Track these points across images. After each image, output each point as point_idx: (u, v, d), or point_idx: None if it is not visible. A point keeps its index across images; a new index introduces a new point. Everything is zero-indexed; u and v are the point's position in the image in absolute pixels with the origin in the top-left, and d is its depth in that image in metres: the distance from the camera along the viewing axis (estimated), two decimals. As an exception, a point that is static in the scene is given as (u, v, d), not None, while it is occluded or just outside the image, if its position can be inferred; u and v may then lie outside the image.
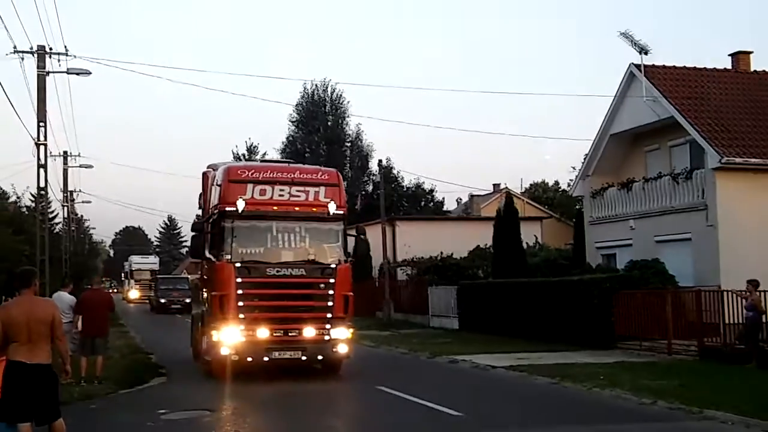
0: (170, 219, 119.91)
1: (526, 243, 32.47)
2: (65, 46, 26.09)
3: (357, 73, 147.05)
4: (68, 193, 48.33)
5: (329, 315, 15.18)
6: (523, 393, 14.32)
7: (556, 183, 66.25)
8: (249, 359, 14.79)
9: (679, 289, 20.97)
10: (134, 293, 65.78)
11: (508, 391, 14.64)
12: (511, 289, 25.85)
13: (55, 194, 45.50)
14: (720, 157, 22.03)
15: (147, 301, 56.52)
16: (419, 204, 60.03)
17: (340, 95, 60.04)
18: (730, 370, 15.92)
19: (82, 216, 65.95)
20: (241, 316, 14.68)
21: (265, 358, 14.88)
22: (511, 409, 12.71)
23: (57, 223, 48.15)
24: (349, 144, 59.81)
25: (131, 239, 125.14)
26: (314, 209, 15.57)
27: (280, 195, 15.43)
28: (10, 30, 30.80)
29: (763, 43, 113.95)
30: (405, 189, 59.80)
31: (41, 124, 23.65)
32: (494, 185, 59.17)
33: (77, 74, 24.66)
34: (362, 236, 16.79)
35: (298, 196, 15.53)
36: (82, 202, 55.07)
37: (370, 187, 57.44)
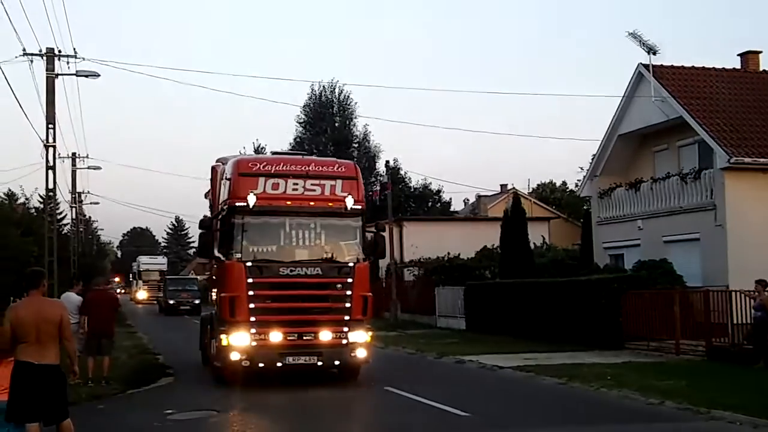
0: (178, 220, 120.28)
1: (534, 243, 32.43)
2: (74, 49, 26.28)
3: (364, 74, 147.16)
4: (76, 195, 48.55)
5: (347, 317, 14.30)
6: (531, 393, 14.30)
7: (564, 183, 66.16)
8: (261, 365, 13.92)
9: (687, 290, 20.91)
10: (142, 294, 65.83)
11: (516, 392, 14.62)
12: (519, 290, 25.81)
13: (63, 196, 45.69)
14: (729, 157, 21.95)
15: (155, 302, 56.24)
16: (426, 204, 60.07)
17: (348, 96, 60.18)
18: (738, 370, 15.87)
19: (90, 217, 66.27)
20: (253, 318, 13.84)
21: (279, 364, 13.98)
22: (518, 409, 12.70)
23: (65, 225, 48.22)
24: (356, 145, 59.88)
25: (139, 240, 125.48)
26: (330, 204, 14.59)
27: (294, 189, 14.46)
28: (20, 33, 30.93)
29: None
30: (412, 190, 59.83)
31: (50, 126, 23.77)
32: (501, 186, 59.12)
33: (86, 76, 24.79)
34: (382, 233, 15.81)
35: (313, 190, 14.55)
36: (90, 203, 55.38)
37: (377, 188, 57.55)
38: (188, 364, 18.28)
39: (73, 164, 45.36)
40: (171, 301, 46.70)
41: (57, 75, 23.99)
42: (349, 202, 14.51)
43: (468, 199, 63.31)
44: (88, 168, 45.41)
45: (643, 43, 24.46)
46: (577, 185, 46.67)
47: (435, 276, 34.29)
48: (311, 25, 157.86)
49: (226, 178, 15.01)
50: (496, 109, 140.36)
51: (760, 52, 27.49)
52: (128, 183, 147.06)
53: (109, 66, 44.45)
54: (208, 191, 18.44)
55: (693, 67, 26.23)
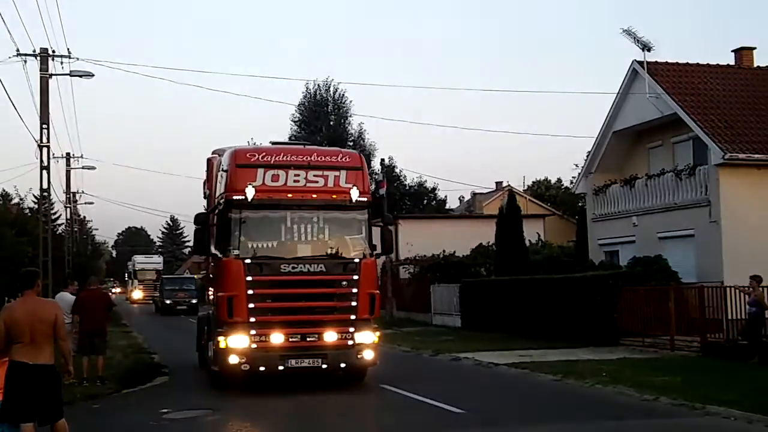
0: (173, 219, 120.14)
1: (529, 240, 32.47)
2: (68, 49, 26.22)
3: (359, 72, 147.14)
4: (71, 195, 48.51)
5: (353, 317, 13.51)
6: (526, 390, 14.32)
7: (559, 180, 66.21)
8: (262, 369, 13.11)
9: (682, 286, 20.97)
10: (138, 294, 65.22)
11: (511, 389, 14.63)
12: (514, 287, 25.85)
13: (57, 195, 45.79)
14: (723, 153, 22.01)
15: (151, 302, 55.90)
16: (422, 202, 60.08)
17: (343, 95, 60.10)
18: (733, 365, 15.91)
19: (84, 217, 66.21)
20: (252, 319, 13.05)
21: (280, 368, 13.20)
22: (513, 406, 12.71)
23: (60, 225, 48.28)
24: (351, 143, 59.73)
25: (134, 240, 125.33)
26: (334, 196, 13.75)
27: (295, 181, 13.63)
28: (13, 33, 30.89)
29: (766, 39, 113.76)
30: (407, 188, 59.84)
31: (44, 126, 23.74)
32: (497, 183, 59.17)
33: (80, 76, 24.75)
34: (389, 226, 14.82)
35: (316, 182, 13.72)
36: (85, 203, 55.29)
37: (372, 186, 57.53)
38: (184, 363, 18.26)
39: (68, 164, 45.33)
40: (168, 301, 46.09)
41: (51, 75, 23.97)
42: (354, 193, 13.71)
43: (463, 197, 63.39)
44: (83, 168, 45.45)
45: (638, 40, 24.51)
46: (572, 182, 46.69)
47: (430, 274, 34.30)
48: (306, 24, 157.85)
49: (222, 170, 14.18)
50: (491, 106, 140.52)
51: (754, 48, 27.60)
52: (123, 183, 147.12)
53: (103, 66, 44.87)
54: (204, 183, 17.68)
55: (687, 63, 26.29)
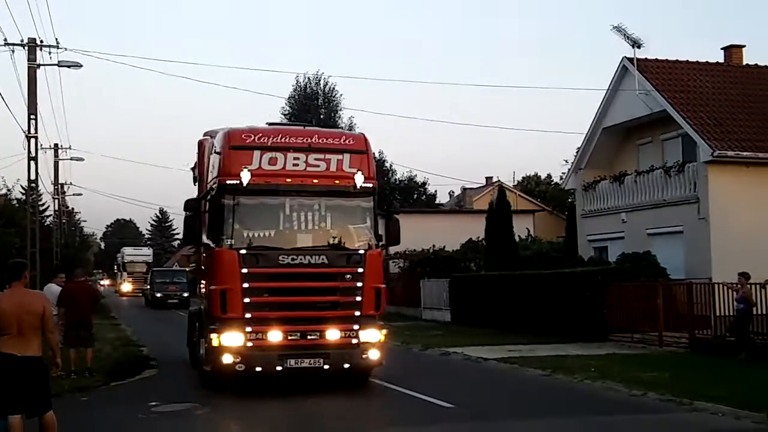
0: (162, 211, 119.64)
1: (519, 236, 32.52)
2: (56, 39, 26.12)
3: (349, 65, 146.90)
4: (59, 186, 48.33)
5: (357, 313, 12.58)
6: (515, 385, 14.36)
7: (549, 176, 66.38)
8: (258, 369, 12.17)
9: (671, 282, 21.07)
10: (127, 286, 64.70)
11: (500, 383, 14.67)
12: (504, 282, 25.89)
13: (45, 187, 45.48)
14: (712, 151, 22.09)
15: (140, 295, 55.31)
16: (412, 197, 60.05)
17: (333, 88, 59.95)
18: (721, 361, 15.99)
19: (72, 208, 65.84)
20: (248, 315, 12.11)
21: (278, 368, 12.25)
22: (502, 400, 12.74)
23: (48, 216, 47.96)
24: (341, 137, 59.66)
25: (122, 232, 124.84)
26: (337, 181, 12.78)
27: (295, 164, 12.62)
28: (1, 22, 30.62)
29: (755, 37, 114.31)
30: (398, 182, 59.81)
31: (32, 116, 23.62)
32: (487, 178, 59.20)
33: (68, 67, 24.65)
34: (395, 215, 14.01)
35: (317, 166, 12.71)
36: (73, 194, 55.04)
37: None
38: (172, 356, 18.20)
39: (56, 155, 45.13)
40: (158, 294, 45.14)
41: (39, 65, 23.84)
42: (359, 179, 12.71)
43: (453, 192, 63.40)
44: (71, 159, 45.29)
45: (628, 37, 24.55)
46: (561, 178, 46.79)
47: (420, 268, 34.32)
48: (296, 17, 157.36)
49: (215, 152, 13.10)
50: (481, 101, 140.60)
51: (744, 46, 27.69)
52: (111, 174, 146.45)
53: (91, 56, 44.61)
54: (195, 165, 16.70)
55: (677, 60, 26.35)
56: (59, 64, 24.65)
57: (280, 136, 12.99)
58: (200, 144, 15.80)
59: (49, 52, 24.62)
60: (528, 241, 35.50)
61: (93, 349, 15.28)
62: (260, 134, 12.93)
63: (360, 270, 12.58)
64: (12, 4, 21.79)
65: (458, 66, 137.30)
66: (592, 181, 27.75)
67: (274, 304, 12.35)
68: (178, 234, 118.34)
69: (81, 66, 24.54)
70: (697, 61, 26.59)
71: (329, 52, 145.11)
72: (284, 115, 59.91)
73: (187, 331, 16.75)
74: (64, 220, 55.64)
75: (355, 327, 12.59)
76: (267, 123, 14.56)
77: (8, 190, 34.46)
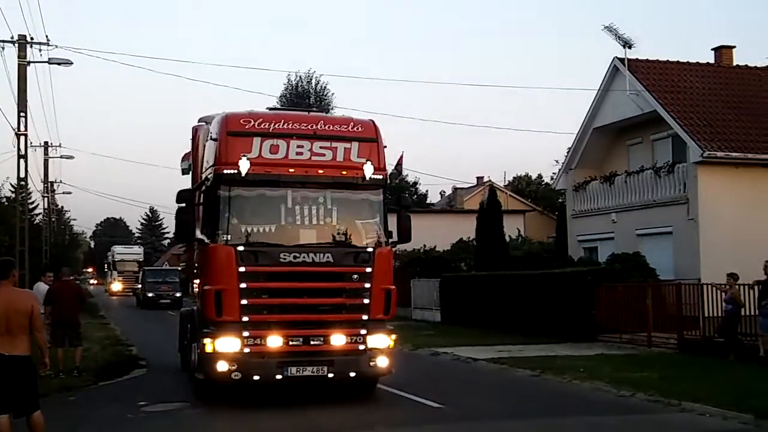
0: (152, 210, 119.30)
1: (509, 236, 32.59)
2: (46, 36, 25.95)
3: (341, 64, 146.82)
4: (48, 184, 48.04)
5: (365, 316, 11.57)
6: (504, 385, 14.37)
7: (539, 176, 66.46)
8: (256, 378, 11.17)
9: (660, 283, 21.14)
10: (117, 286, 63.61)
11: (489, 384, 14.68)
12: (494, 282, 25.93)
13: (35, 185, 45.22)
14: (702, 151, 22.18)
15: (131, 294, 54.50)
16: (403, 196, 60.00)
17: (325, 87, 59.89)
18: (709, 362, 16.05)
19: (62, 207, 65.51)
20: (245, 318, 11.12)
21: (278, 377, 11.26)
22: (491, 401, 12.75)
23: (37, 214, 47.74)
24: (333, 136, 59.52)
25: (112, 230, 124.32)
26: (344, 172, 11.74)
27: (298, 153, 11.61)
28: (-10, 19, 30.48)
29: (745, 38, 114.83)
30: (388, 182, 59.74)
31: (22, 114, 23.50)
32: (478, 178, 59.24)
33: (58, 64, 24.50)
34: (406, 209, 12.85)
35: (323, 155, 11.70)
36: (63, 192, 54.69)
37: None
38: (161, 356, 18.14)
39: (46, 153, 44.92)
40: (150, 294, 44.08)
41: (29, 62, 23.73)
42: (368, 170, 11.69)
43: (444, 191, 63.45)
44: (61, 157, 45.01)
45: (619, 37, 24.62)
46: (552, 178, 46.88)
47: (410, 268, 34.31)
48: (289, 15, 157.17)
49: (211, 139, 12.05)
50: (473, 101, 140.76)
51: (734, 47, 27.80)
52: (102, 173, 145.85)
53: (82, 54, 44.23)
54: (187, 154, 15.56)
55: (668, 61, 26.44)
56: (49, 62, 24.52)
57: (283, 121, 11.88)
58: (194, 131, 14.85)
59: (40, 49, 24.54)
60: (518, 242, 35.57)
61: (81, 349, 15.22)
62: (261, 119, 11.82)
63: (368, 270, 11.57)
64: (2, 0, 21.73)
65: (449, 65, 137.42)
66: (583, 181, 27.83)
67: (273, 307, 11.37)
68: (168, 233, 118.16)
69: (71, 63, 24.42)
70: (688, 62, 26.70)
71: (321, 51, 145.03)
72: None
73: (179, 334, 15.80)
74: (53, 219, 55.40)
75: (363, 332, 11.57)
76: (267, 108, 13.23)
77: (-3, 188, 34.26)
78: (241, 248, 11.20)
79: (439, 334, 23.91)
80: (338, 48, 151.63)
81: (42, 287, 15.22)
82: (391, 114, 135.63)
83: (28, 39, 23.76)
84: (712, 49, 27.83)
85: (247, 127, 11.65)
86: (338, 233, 11.97)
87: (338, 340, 11.50)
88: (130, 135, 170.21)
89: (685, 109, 23.97)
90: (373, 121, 12.38)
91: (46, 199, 48.68)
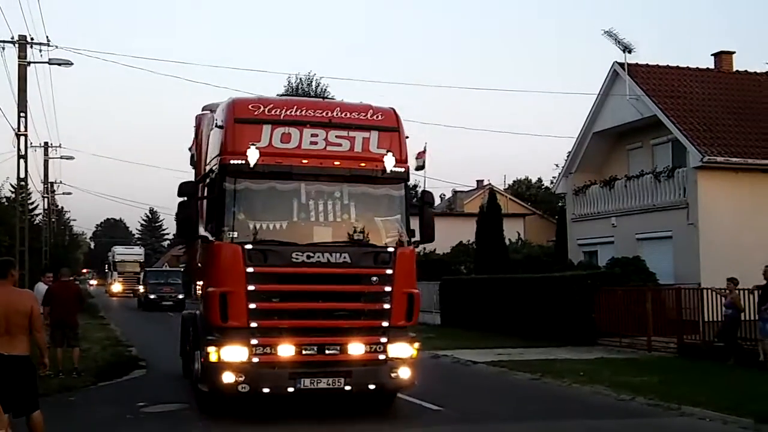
0: (152, 211, 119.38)
1: (509, 239, 32.62)
2: (47, 37, 25.92)
3: (341, 67, 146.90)
4: (48, 184, 48.03)
5: (386, 323, 10.59)
6: (504, 388, 14.36)
7: (540, 180, 66.56)
8: (265, 390, 10.19)
9: (660, 287, 21.15)
10: (117, 287, 62.97)
11: (489, 387, 14.67)
12: (494, 285, 25.93)
13: (35, 185, 45.21)
14: (702, 156, 22.20)
15: (131, 295, 54.05)
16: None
17: (325, 89, 59.89)
18: (709, 367, 16.05)
19: (62, 207, 65.45)
20: (253, 324, 10.12)
21: (290, 389, 10.27)
22: (491, 404, 12.74)
23: (37, 215, 47.70)
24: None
25: (112, 231, 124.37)
26: (363, 164, 10.74)
27: (312, 142, 10.62)
28: (-9, 19, 30.55)
29: (745, 44, 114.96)
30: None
31: (22, 114, 23.51)
32: (478, 181, 59.30)
33: (59, 65, 24.51)
34: (429, 206, 11.78)
35: (339, 145, 10.72)
36: (63, 193, 54.66)
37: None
38: (161, 357, 18.11)
39: (46, 153, 44.91)
40: (152, 296, 43.03)
41: (29, 63, 23.73)
42: (389, 162, 10.65)
43: (444, 195, 63.47)
44: (61, 158, 45.00)
45: (619, 42, 24.67)
46: (552, 182, 46.96)
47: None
48: (289, 17, 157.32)
49: (217, 126, 11.07)
50: (473, 104, 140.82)
51: (734, 52, 27.86)
52: (102, 173, 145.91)
53: (82, 54, 44.24)
54: (193, 144, 14.69)
55: (668, 66, 26.48)
56: (50, 62, 24.53)
57: (295, 108, 10.83)
58: (198, 120, 13.96)
59: (40, 50, 24.53)
60: (518, 245, 35.61)
61: (79, 349, 15.21)
62: (271, 105, 10.79)
63: (389, 271, 10.57)
64: (2, 0, 21.77)
65: (449, 69, 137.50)
66: (583, 185, 27.85)
67: (285, 312, 10.40)
68: (168, 234, 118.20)
69: (72, 64, 24.43)
70: (688, 67, 26.74)
71: (320, 53, 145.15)
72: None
73: (180, 339, 14.77)
74: (53, 219, 55.37)
75: (383, 340, 10.60)
76: (280, 95, 12.97)
77: (-3, 188, 34.26)
78: (248, 246, 10.22)
79: (438, 337, 23.88)
80: (338, 51, 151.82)
81: (42, 287, 15.23)
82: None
83: (29, 39, 23.77)
84: (711, 55, 27.90)
85: (256, 113, 10.66)
86: (356, 231, 10.96)
87: (356, 348, 10.51)
88: (130, 136, 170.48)
89: (685, 114, 24.00)
90: (394, 109, 11.33)
91: (46, 199, 48.67)
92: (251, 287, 10.11)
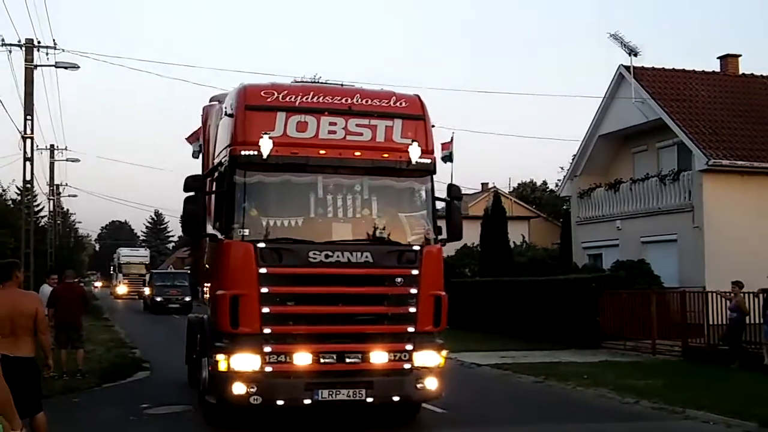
0: (157, 214, 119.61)
1: (513, 242, 32.59)
2: (53, 40, 26.04)
3: (346, 69, 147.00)
4: (54, 187, 48.13)
5: (411, 329, 9.80)
6: (508, 391, 14.36)
7: (544, 183, 66.47)
8: (280, 403, 9.43)
9: (664, 290, 21.12)
10: (122, 288, 62.30)
11: (493, 389, 14.67)
12: (498, 288, 25.90)
13: (41, 187, 45.31)
14: (707, 159, 22.15)
15: (136, 297, 53.61)
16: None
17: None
18: (714, 370, 16.03)
19: (67, 210, 65.56)
20: (267, 330, 9.37)
21: (307, 401, 9.49)
22: (495, 406, 12.74)
23: (42, 217, 47.76)
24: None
25: (117, 233, 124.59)
26: (386, 155, 9.94)
27: (331, 131, 9.85)
28: (-2, 22, 30.67)
29: (751, 47, 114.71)
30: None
31: (28, 117, 23.60)
32: (482, 184, 59.20)
33: (65, 68, 24.57)
34: (457, 201, 10.91)
35: (360, 134, 9.95)
36: (68, 195, 54.82)
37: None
38: (165, 358, 18.12)
39: (51, 156, 45.00)
40: (158, 298, 42.04)
41: (36, 66, 23.83)
42: (414, 153, 9.88)
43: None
44: (67, 160, 45.08)
45: (625, 45, 24.62)
46: (557, 185, 46.94)
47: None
48: (294, 19, 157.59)
49: (226, 115, 10.33)
50: (477, 107, 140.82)
51: (740, 55, 27.76)
52: (107, 176, 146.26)
53: (89, 58, 44.44)
54: (194, 133, 13.93)
55: (673, 69, 26.42)
56: (56, 65, 24.60)
57: (312, 94, 10.02)
58: (205, 111, 13.31)
59: (47, 53, 24.57)
60: (523, 248, 35.58)
61: (83, 351, 15.25)
62: (286, 92, 10.02)
63: (415, 272, 9.78)
64: (9, 4, 21.83)
65: (454, 72, 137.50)
66: (588, 188, 27.80)
67: (301, 316, 9.62)
68: (173, 237, 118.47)
69: (78, 67, 24.50)
70: (693, 70, 26.66)
71: (326, 55, 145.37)
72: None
73: (186, 345, 13.82)
74: (58, 222, 55.47)
75: (408, 347, 9.81)
76: (294, 81, 11.17)
77: (3, 190, 34.39)
78: (261, 245, 9.45)
79: (443, 339, 23.87)
80: (342, 52, 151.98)
81: (47, 289, 15.28)
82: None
83: (36, 43, 23.87)
84: (717, 58, 27.81)
85: (269, 100, 9.87)
86: (378, 228, 10.18)
87: (379, 357, 9.72)
88: (136, 139, 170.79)
89: (690, 117, 23.95)
90: (419, 96, 10.53)
91: (51, 201, 48.76)
92: (264, 289, 9.38)
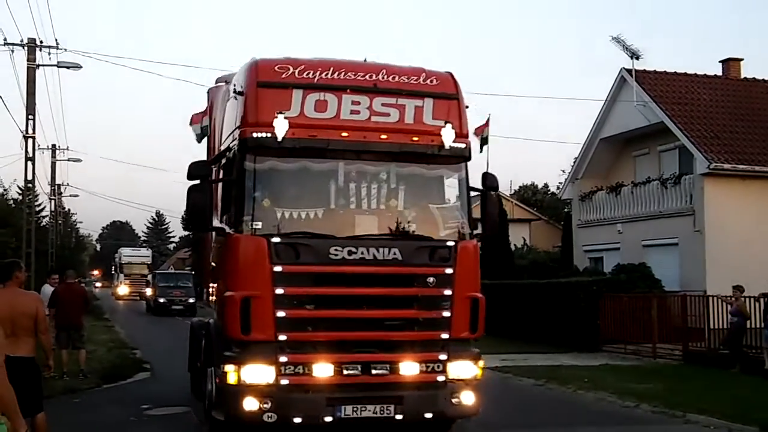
0: (158, 214, 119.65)
1: (515, 245, 32.56)
2: (56, 40, 26.02)
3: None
4: (56, 187, 48.18)
5: (445, 335, 8.68)
6: (508, 394, 14.32)
7: (546, 185, 66.40)
8: (297, 420, 8.22)
9: (665, 294, 21.12)
10: (124, 289, 61.39)
11: (493, 392, 14.56)
12: (499, 291, 25.78)
13: (42, 187, 45.31)
14: (708, 163, 22.15)
15: (138, 298, 53.13)
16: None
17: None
18: (714, 374, 16.01)
19: (69, 210, 65.63)
20: (282, 337, 8.23)
21: (328, 418, 8.31)
22: (495, 410, 12.64)
23: (44, 217, 47.76)
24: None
25: (118, 234, 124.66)
26: (416, 138, 8.78)
27: (354, 112, 8.72)
28: (1, 23, 30.70)
29: (753, 51, 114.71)
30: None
31: (30, 116, 23.61)
32: (484, 186, 59.09)
33: (68, 68, 24.58)
34: (494, 191, 9.71)
35: (387, 115, 8.79)
36: (70, 195, 54.79)
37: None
38: (165, 358, 18.14)
39: (53, 156, 45.03)
40: (161, 300, 41.19)
41: (38, 66, 23.83)
42: (448, 136, 8.71)
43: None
44: (68, 160, 45.07)
45: (627, 48, 24.63)
46: (558, 188, 46.86)
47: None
48: (294, 19, 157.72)
49: (236, 93, 9.08)
50: (479, 109, 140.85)
51: (742, 59, 27.77)
52: (108, 176, 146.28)
53: (91, 58, 44.43)
54: (197, 115, 12.39)
55: (675, 72, 26.44)
56: (58, 65, 24.62)
57: (332, 70, 8.84)
58: (210, 94, 12.15)
59: (49, 53, 24.61)
60: (524, 250, 35.53)
61: (84, 351, 15.25)
62: (303, 67, 8.79)
63: (449, 270, 8.65)
64: (12, 4, 21.90)
65: (457, 73, 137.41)
66: (589, 191, 27.80)
67: (321, 321, 8.47)
68: (174, 237, 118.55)
69: (80, 67, 24.51)
70: (695, 74, 26.68)
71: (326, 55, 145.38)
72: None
73: (189, 351, 12.40)
74: (60, 221, 55.49)
75: (442, 357, 8.67)
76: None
77: (5, 190, 34.42)
78: (276, 240, 8.29)
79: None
80: (345, 53, 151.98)
81: (48, 289, 15.27)
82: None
83: (38, 42, 23.88)
84: (719, 62, 27.84)
85: (284, 76, 8.67)
86: (407, 221, 9.08)
87: (409, 368, 8.56)
88: (137, 139, 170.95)
89: (692, 121, 23.96)
90: (452, 74, 9.34)
91: (53, 201, 48.80)
92: (279, 290, 8.22)
